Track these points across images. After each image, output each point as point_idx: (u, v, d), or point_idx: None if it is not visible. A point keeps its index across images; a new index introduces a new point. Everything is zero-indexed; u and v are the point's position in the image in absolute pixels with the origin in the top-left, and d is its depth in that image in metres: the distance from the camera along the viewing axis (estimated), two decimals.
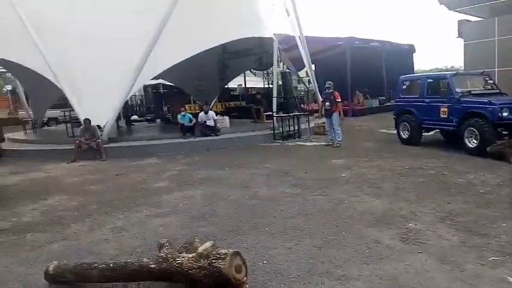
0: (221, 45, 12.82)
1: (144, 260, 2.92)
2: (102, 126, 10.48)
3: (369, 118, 17.45)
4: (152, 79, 21.52)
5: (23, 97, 17.99)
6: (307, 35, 15.61)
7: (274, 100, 12.47)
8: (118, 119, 12.69)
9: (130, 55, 10.38)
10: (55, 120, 19.75)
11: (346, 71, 19.26)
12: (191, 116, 11.67)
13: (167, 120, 17.56)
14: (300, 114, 12.07)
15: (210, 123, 11.54)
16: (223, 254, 2.49)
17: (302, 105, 18.18)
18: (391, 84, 18.72)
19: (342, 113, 10.38)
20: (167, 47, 10.37)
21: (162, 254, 2.95)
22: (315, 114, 14.35)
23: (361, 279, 3.04)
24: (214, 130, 11.51)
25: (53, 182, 7.43)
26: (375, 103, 21.05)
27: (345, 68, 19.30)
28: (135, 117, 20.31)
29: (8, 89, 25.01)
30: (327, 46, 20.67)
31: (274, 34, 14.33)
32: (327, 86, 10.26)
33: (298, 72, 18.99)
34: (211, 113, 11.91)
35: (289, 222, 4.42)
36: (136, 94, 24.29)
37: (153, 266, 2.82)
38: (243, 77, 22.32)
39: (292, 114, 12.00)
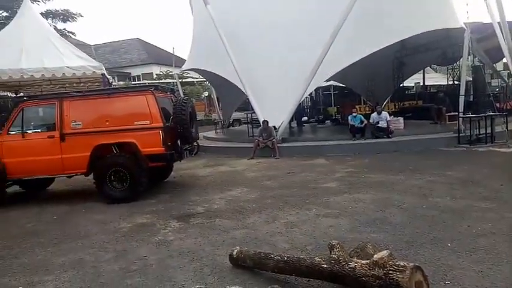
0: (399, 41, 12.01)
1: (316, 258, 2.97)
2: (277, 126, 11.31)
3: None
4: (324, 81, 22.01)
5: (216, 102, 21.16)
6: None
7: (461, 98, 10.86)
8: (290, 120, 13.46)
9: (305, 60, 10.84)
10: (238, 122, 22.52)
11: None
12: (362, 117, 11.35)
13: (336, 122, 17.64)
14: (495, 115, 10.17)
15: (383, 124, 10.97)
16: (402, 267, 2.30)
17: (497, 104, 15.36)
18: None
19: None
20: (340, 48, 10.40)
21: (334, 256, 2.93)
22: None
23: None
24: (386, 132, 10.89)
25: (236, 176, 8.42)
26: None
27: None
28: (305, 118, 21.16)
29: (205, 95, 29.86)
30: None
31: (464, 23, 12.53)
32: None
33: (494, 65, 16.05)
34: (384, 113, 11.32)
35: (478, 242, 3.77)
36: (307, 96, 25.31)
37: (324, 266, 2.84)
38: (421, 74, 20.32)
39: (484, 114, 10.22)
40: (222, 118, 19.28)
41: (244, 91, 12.18)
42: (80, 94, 7.09)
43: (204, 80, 23.90)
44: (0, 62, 9.60)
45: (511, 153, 8.76)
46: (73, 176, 7.11)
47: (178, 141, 7.04)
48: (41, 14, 14.09)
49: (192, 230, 4.80)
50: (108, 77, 11.80)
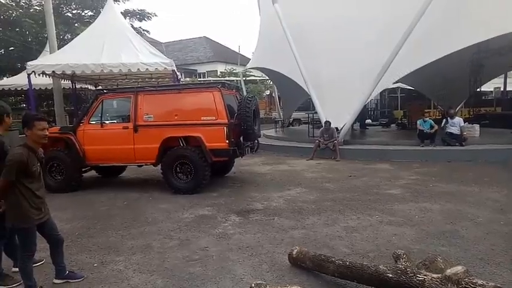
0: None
1: (381, 267, 2.86)
2: (339, 128, 11.05)
3: None
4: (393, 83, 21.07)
5: (277, 100, 21.23)
6: None
7: None
8: (353, 122, 13.07)
9: (373, 60, 10.45)
10: (298, 121, 22.39)
11: None
12: (432, 122, 10.66)
13: (403, 126, 16.79)
14: None
15: (455, 130, 10.22)
16: (480, 285, 2.13)
17: None
18: None
19: None
20: (412, 49, 9.86)
21: (400, 266, 2.81)
22: None
23: None
24: (459, 139, 10.13)
25: (295, 175, 8.37)
26: None
27: None
28: (368, 121, 20.43)
29: (267, 93, 30.13)
30: None
31: None
32: None
33: None
34: (457, 119, 10.55)
35: None
36: (372, 98, 24.41)
37: (390, 275, 2.72)
38: (502, 79, 18.57)
39: None
40: (282, 117, 19.31)
41: (307, 91, 12.05)
42: (153, 89, 7.52)
43: (267, 78, 24.11)
44: (84, 58, 10.49)
45: None
46: (143, 165, 7.58)
47: (241, 138, 7.20)
48: (121, 13, 15.12)
49: (251, 226, 4.87)
50: (178, 73, 12.38)
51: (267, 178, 8.18)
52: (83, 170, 7.57)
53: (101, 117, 7.23)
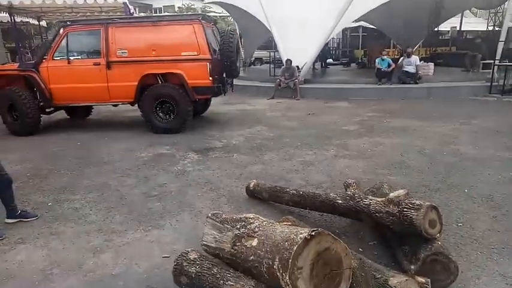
0: None
1: (331, 194, 3.01)
2: (300, 67, 10.98)
3: None
4: (353, 21, 20.86)
5: (238, 38, 20.49)
6: None
7: (500, 45, 10.14)
8: (314, 61, 13.02)
9: None
10: (260, 61, 21.95)
11: None
12: (390, 61, 10.85)
13: (363, 65, 17.00)
14: None
15: (411, 69, 10.50)
16: (418, 205, 2.30)
17: None
18: None
19: None
20: None
21: (349, 193, 2.97)
22: None
23: None
24: (414, 77, 10.45)
25: (256, 114, 8.39)
26: None
27: None
28: (330, 60, 20.43)
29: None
30: None
31: None
32: None
33: None
34: (414, 57, 10.77)
35: (497, 189, 3.73)
36: (334, 37, 24.22)
37: (339, 201, 2.88)
38: (458, 18, 18.89)
39: None
40: (243, 56, 18.82)
41: (269, 28, 11.69)
42: (125, 21, 6.91)
43: (228, 15, 23.01)
44: None
45: None
46: (118, 105, 7.18)
47: (224, 74, 6.99)
48: None
49: (210, 163, 4.91)
50: (130, 6, 11.47)
51: (227, 117, 8.15)
52: (48, 111, 7.10)
53: (67, 52, 6.56)
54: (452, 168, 4.39)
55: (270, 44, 18.22)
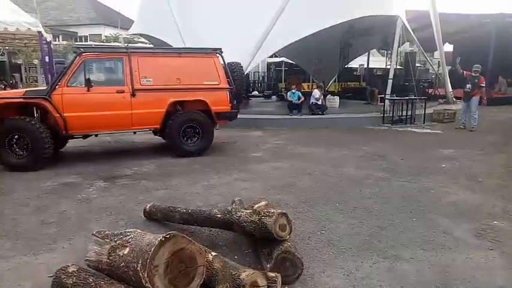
0: (348, 22, 12.47)
1: (214, 210, 3.42)
2: None
3: (509, 109, 15.03)
4: (276, 57, 22.34)
5: None
6: (446, 12, 14.09)
7: (390, 82, 11.84)
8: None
9: (253, 29, 11.02)
10: None
11: (489, 53, 16.75)
12: (300, 94, 11.95)
13: (281, 97, 18.22)
14: (415, 99, 11.22)
15: (315, 100, 11.67)
16: (271, 213, 2.80)
17: (431, 89, 16.72)
18: None
19: (484, 98, 10.57)
20: (289, 22, 10.71)
21: (229, 208, 3.41)
22: (439, 100, 13.12)
23: (410, 262, 3.01)
24: (321, 108, 11.60)
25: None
26: None
27: (488, 50, 16.79)
28: (255, 92, 21.51)
29: None
30: (469, 25, 18.23)
31: (407, 11, 13.34)
32: (474, 69, 9.82)
33: (435, 54, 17.37)
34: (314, 91, 12.03)
35: (361, 203, 4.45)
36: (260, 71, 25.64)
37: (219, 216, 3.29)
38: (367, 57, 21.37)
39: (406, 98, 11.24)
40: None
41: None
42: (148, 51, 7.56)
43: (148, 42, 23.31)
44: None
45: (424, 133, 9.81)
46: (136, 132, 7.54)
47: (235, 101, 7.58)
48: None
49: (116, 190, 5.07)
50: (46, 35, 11.27)
51: (141, 146, 8.32)
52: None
53: (85, 79, 6.31)
54: (333, 187, 5.09)
55: None
